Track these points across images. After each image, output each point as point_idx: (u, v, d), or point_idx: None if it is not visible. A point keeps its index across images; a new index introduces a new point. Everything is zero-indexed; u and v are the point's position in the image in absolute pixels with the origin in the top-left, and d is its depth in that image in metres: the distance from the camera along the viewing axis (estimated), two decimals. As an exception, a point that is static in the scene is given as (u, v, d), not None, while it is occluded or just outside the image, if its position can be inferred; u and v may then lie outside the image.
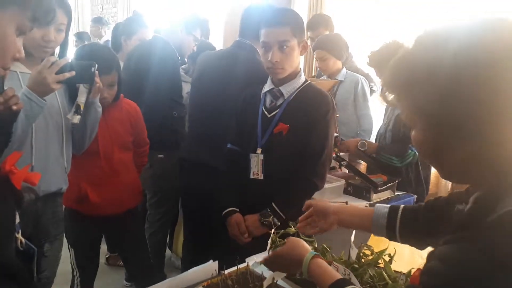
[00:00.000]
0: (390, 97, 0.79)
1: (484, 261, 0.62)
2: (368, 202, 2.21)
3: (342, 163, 2.40)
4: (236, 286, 1.24)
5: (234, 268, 1.33)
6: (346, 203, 2.17)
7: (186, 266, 2.15)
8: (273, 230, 1.37)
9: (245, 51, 2.09)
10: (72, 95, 1.74)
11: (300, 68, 1.88)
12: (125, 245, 2.22)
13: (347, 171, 2.52)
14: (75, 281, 2.11)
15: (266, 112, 1.85)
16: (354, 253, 1.27)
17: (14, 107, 1.30)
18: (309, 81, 1.88)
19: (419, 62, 0.71)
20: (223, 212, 1.87)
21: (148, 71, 2.41)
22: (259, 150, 1.83)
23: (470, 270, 0.63)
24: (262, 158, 1.82)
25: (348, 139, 2.78)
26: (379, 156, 2.36)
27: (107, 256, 3.11)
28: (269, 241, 1.34)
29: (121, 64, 2.31)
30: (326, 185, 2.24)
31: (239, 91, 1.95)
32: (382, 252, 1.24)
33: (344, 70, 2.98)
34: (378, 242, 1.32)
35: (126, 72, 2.60)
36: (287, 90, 1.81)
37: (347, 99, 2.93)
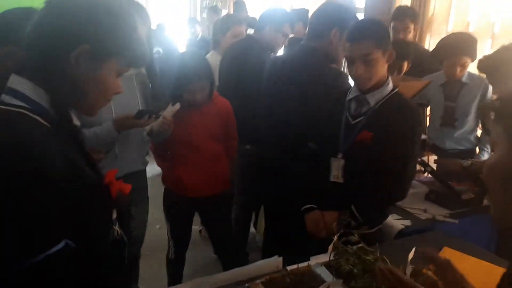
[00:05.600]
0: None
1: None
2: (449, 212, 2.16)
3: (426, 168, 2.34)
4: (292, 284, 1.37)
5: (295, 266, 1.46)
6: (425, 210, 2.16)
7: (265, 254, 2.35)
8: (335, 237, 1.46)
9: (315, 58, 2.15)
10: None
11: (388, 77, 1.84)
12: (211, 222, 2.52)
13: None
14: (170, 250, 2.46)
15: (350, 118, 1.85)
16: (409, 271, 1.31)
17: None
18: (396, 90, 1.83)
19: None
20: (302, 208, 1.94)
21: (240, 71, 2.67)
22: (340, 155, 1.85)
23: None
24: (343, 163, 1.84)
25: (462, 149, 2.73)
26: None
27: (200, 229, 3.47)
28: (330, 246, 1.44)
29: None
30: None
31: (316, 100, 2.03)
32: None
33: (467, 71, 2.72)
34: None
35: (221, 70, 2.87)
36: (374, 98, 1.79)
37: (470, 104, 2.70)
